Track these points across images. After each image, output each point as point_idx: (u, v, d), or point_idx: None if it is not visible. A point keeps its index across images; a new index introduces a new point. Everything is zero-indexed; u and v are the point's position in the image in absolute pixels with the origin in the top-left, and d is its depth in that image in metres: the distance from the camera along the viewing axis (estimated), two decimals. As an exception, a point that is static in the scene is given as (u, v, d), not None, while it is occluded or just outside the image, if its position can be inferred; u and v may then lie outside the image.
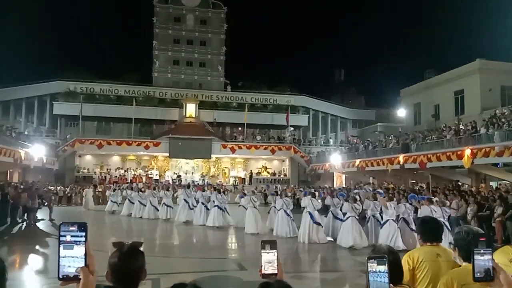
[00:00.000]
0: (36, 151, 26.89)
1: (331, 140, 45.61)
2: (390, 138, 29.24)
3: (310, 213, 13.60)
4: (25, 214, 18.50)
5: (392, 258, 2.30)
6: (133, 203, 21.87)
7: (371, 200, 14.01)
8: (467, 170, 21.32)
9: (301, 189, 23.40)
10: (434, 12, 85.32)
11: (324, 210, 15.44)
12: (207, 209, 18.34)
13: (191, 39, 48.57)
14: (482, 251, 1.76)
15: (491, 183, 22.89)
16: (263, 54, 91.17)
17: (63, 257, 1.57)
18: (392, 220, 12.17)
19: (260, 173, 39.85)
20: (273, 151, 38.67)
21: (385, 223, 12.32)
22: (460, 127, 22.46)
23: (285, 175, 39.76)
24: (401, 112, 37.53)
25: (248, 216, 15.90)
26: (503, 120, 19.42)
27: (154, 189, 22.59)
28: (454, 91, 32.31)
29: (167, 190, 21.87)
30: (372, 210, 13.41)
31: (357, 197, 14.60)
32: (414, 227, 12.12)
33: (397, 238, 11.92)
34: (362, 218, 13.85)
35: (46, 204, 20.23)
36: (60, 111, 39.69)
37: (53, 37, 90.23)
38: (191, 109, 40.72)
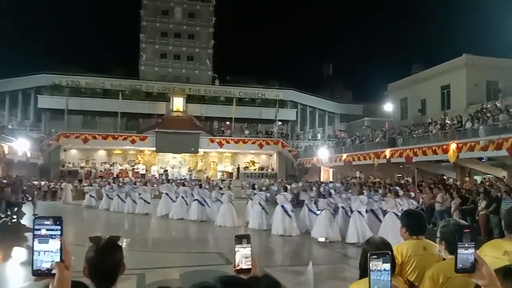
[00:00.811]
0: (20, 146, 26.47)
1: (318, 135, 45.74)
2: (377, 132, 29.43)
3: (282, 206, 14.01)
4: (8, 209, 18.20)
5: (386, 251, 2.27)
6: (111, 198, 21.99)
7: (344, 192, 14.47)
8: (453, 164, 21.55)
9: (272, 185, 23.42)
10: (421, 7, 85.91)
11: (298, 203, 15.69)
12: (187, 203, 18.50)
13: (179, 32, 48.13)
14: (466, 244, 1.74)
15: (475, 177, 23.19)
16: (252, 48, 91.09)
17: (38, 251, 1.51)
18: (358, 211, 12.48)
19: (248, 167, 39.82)
20: (261, 146, 38.65)
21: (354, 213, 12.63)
22: (446, 121, 22.67)
23: (272, 169, 39.79)
24: (388, 107, 37.75)
25: (223, 210, 16.29)
26: (488, 114, 19.64)
27: (135, 184, 22.62)
28: (440, 86, 32.58)
29: (145, 185, 21.97)
30: (341, 202, 13.78)
31: (332, 191, 14.89)
32: (382, 218, 12.59)
33: (365, 228, 12.20)
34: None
35: (30, 199, 19.92)
36: (45, 105, 39.07)
37: (38, 30, 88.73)
38: (178, 103, 40.40)
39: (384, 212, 12.56)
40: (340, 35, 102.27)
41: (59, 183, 29.60)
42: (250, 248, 1.73)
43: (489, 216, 13.44)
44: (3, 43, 77.64)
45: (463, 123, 20.80)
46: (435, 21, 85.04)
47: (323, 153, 32.60)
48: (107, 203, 22.30)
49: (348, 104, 49.18)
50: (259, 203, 15.36)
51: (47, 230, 1.52)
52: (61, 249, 1.52)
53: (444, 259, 2.75)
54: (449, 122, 22.33)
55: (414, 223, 3.21)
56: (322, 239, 12.71)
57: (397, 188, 14.37)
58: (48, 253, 1.51)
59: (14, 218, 17.52)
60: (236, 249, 1.72)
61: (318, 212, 13.65)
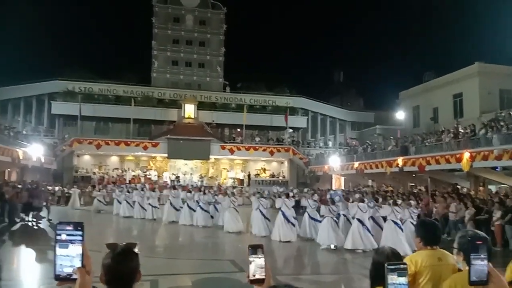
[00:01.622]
0: (34, 151, 26.79)
1: (330, 142, 45.60)
2: (389, 140, 29.24)
3: (282, 212, 14.32)
4: (27, 213, 18.45)
5: (396, 261, 2.28)
6: (120, 203, 22.33)
7: (344, 201, 14.58)
8: (466, 173, 21.32)
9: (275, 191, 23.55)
10: (433, 15, 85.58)
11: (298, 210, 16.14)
12: (192, 210, 18.74)
13: (190, 40, 48.57)
14: (481, 256, 1.76)
15: (490, 187, 22.90)
16: (262, 55, 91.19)
17: (59, 256, 1.56)
18: (358, 219, 12.57)
19: (258, 174, 39.80)
20: (271, 153, 38.64)
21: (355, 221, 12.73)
22: (459, 130, 22.47)
23: (283, 177, 39.72)
24: (400, 115, 37.54)
25: (227, 216, 16.53)
26: (501, 123, 19.43)
27: (142, 189, 22.86)
28: (453, 94, 32.34)
29: (153, 190, 22.24)
30: (342, 210, 14.03)
31: (337, 198, 15.04)
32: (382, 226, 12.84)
33: (365, 236, 12.33)
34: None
35: (44, 204, 20.18)
36: (58, 111, 39.60)
37: (52, 37, 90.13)
38: (190, 109, 40.65)
39: (385, 219, 12.71)
40: (351, 42, 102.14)
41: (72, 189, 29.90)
42: (263, 258, 1.75)
43: (504, 226, 13.27)
44: (18, 49, 79.00)
45: (477, 132, 20.60)
46: (447, 29, 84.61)
47: (334, 161, 32.46)
48: (117, 208, 22.70)
49: (359, 112, 49.03)
50: (259, 210, 15.61)
51: (67, 235, 1.57)
52: (82, 254, 1.57)
53: (460, 270, 2.75)
54: (462, 130, 22.13)
55: (429, 233, 3.19)
56: (325, 246, 12.82)
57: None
58: (68, 257, 1.56)
59: (36, 222, 17.84)
60: (251, 259, 1.75)
61: (320, 219, 13.81)
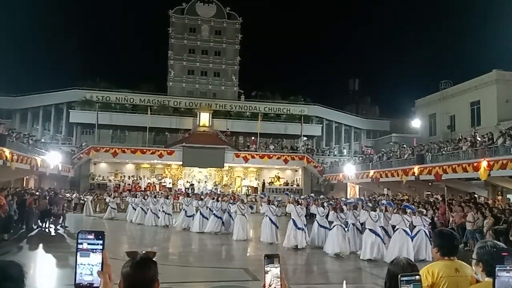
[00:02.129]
0: (52, 159, 27.24)
1: (344, 150, 45.34)
2: (405, 148, 28.94)
3: (293, 220, 14.48)
4: (43, 220, 18.80)
5: (411, 271, 2.29)
6: (135, 209, 22.93)
7: (352, 210, 14.59)
8: (484, 182, 20.95)
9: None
10: (451, 22, 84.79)
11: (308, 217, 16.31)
12: (204, 217, 18.97)
13: (206, 49, 49.07)
14: (507, 267, 1.74)
15: (508, 196, 22.43)
16: (277, 64, 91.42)
17: (80, 264, 1.60)
18: (369, 229, 12.57)
19: (272, 182, 39.74)
20: (286, 161, 38.59)
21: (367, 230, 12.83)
22: (477, 138, 22.12)
23: (298, 185, 39.58)
24: (416, 123, 37.13)
25: (236, 224, 16.70)
26: (520, 132, 19.09)
27: (155, 197, 23.31)
28: (470, 102, 31.91)
29: (167, 198, 22.57)
30: (351, 219, 14.11)
31: (345, 207, 15.16)
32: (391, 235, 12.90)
33: (379, 245, 12.36)
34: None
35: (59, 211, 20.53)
36: (76, 119, 40.33)
37: (71, 47, 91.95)
38: (205, 118, 40.96)
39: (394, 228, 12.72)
40: (367, 51, 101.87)
41: (96, 196, 30.36)
42: (280, 268, 1.77)
43: (523, 236, 12.98)
44: (38, 59, 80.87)
45: (495, 140, 20.26)
46: (464, 36, 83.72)
47: (349, 169, 32.23)
48: (131, 215, 23.34)
49: (375, 120, 48.71)
50: (268, 217, 15.75)
51: (88, 244, 1.62)
52: (102, 262, 1.61)
53: (478, 281, 2.72)
54: (479, 139, 21.79)
55: (446, 243, 3.10)
56: (332, 254, 12.90)
57: (407, 205, 14.60)
58: (89, 266, 1.60)
59: (54, 229, 18.19)
60: (267, 268, 1.76)
61: (329, 227, 13.95)
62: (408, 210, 12.97)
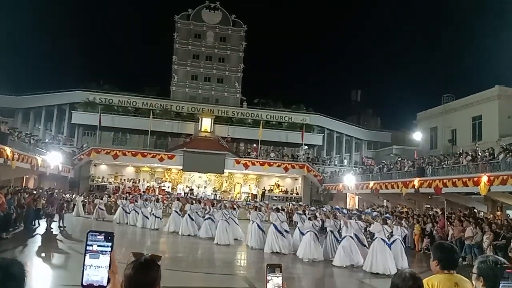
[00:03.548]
0: (53, 159, 27.25)
1: (345, 161, 45.31)
2: (406, 161, 28.92)
3: (274, 225, 15.06)
4: (38, 220, 18.83)
5: (413, 284, 2.31)
6: (128, 212, 23.52)
7: (332, 218, 15.06)
8: (483, 197, 20.91)
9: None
10: (454, 37, 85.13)
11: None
12: (193, 220, 19.47)
13: (210, 55, 49.29)
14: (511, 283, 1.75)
15: (507, 212, 22.38)
16: (280, 73, 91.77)
17: (89, 266, 1.61)
18: (349, 236, 13.11)
19: (272, 190, 39.71)
20: (286, 169, 38.57)
21: (343, 238, 13.28)
22: (478, 153, 22.12)
23: (297, 193, 39.53)
24: (417, 136, 37.17)
25: (218, 228, 17.00)
26: (521, 148, 19.09)
27: (146, 200, 23.78)
28: (471, 116, 31.97)
29: (157, 201, 23.09)
30: (331, 227, 14.57)
31: (317, 214, 15.69)
32: (365, 243, 13.71)
33: (356, 253, 12.87)
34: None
35: (58, 211, 20.51)
36: (78, 120, 40.37)
37: (76, 49, 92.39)
38: (206, 123, 41.02)
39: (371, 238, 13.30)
40: (369, 62, 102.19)
41: (87, 197, 30.34)
42: (281, 277, 1.79)
43: (522, 252, 12.95)
44: (42, 60, 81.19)
45: (495, 156, 20.26)
46: (466, 51, 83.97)
47: (349, 180, 32.19)
48: (121, 217, 23.81)
49: (376, 131, 48.73)
50: (256, 223, 16.11)
51: (98, 246, 1.63)
52: (110, 264, 1.63)
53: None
54: (480, 153, 21.79)
55: (446, 257, 3.07)
56: (306, 259, 13.42)
57: (389, 216, 15.43)
58: (98, 268, 1.62)
59: (48, 228, 18.17)
60: (269, 277, 1.78)
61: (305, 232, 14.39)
62: (389, 221, 13.36)
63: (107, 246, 1.64)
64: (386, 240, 12.43)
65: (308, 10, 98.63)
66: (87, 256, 1.62)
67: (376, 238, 12.50)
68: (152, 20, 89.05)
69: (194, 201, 22.14)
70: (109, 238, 1.66)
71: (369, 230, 14.06)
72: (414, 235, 19.13)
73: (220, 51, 49.39)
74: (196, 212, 19.88)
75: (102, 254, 1.63)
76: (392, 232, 13.01)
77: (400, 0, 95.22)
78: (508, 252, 13.45)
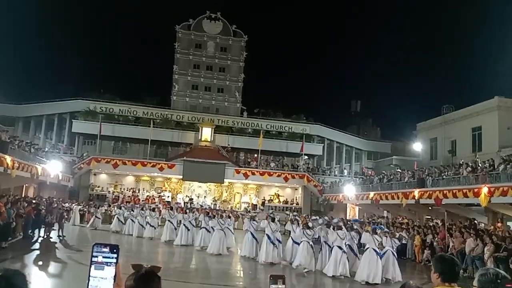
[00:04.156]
0: (53, 168, 27.27)
1: (345, 171, 45.28)
2: (406, 171, 28.91)
3: (267, 235, 15.12)
4: (38, 229, 18.74)
5: None
6: (123, 222, 23.66)
7: (325, 228, 15.07)
8: (484, 208, 20.88)
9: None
10: (454, 48, 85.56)
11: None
12: (188, 229, 19.52)
13: (211, 65, 49.51)
14: None
15: (508, 223, 22.32)
16: (281, 82, 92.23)
17: (93, 277, 1.63)
18: (338, 246, 13.05)
19: (272, 200, 39.61)
20: (286, 179, 38.52)
21: (332, 248, 13.38)
22: (478, 164, 22.12)
23: (297, 203, 39.42)
24: (417, 146, 37.17)
25: (214, 238, 17.08)
26: (522, 159, 19.09)
27: (142, 209, 23.78)
28: (471, 127, 32.01)
29: (153, 211, 23.17)
30: (324, 238, 14.66)
31: (310, 224, 15.62)
32: (357, 252, 13.96)
33: (344, 262, 12.93)
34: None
35: (57, 221, 20.43)
36: (78, 129, 40.45)
37: (77, 58, 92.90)
38: (207, 133, 41.07)
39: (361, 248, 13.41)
40: (369, 73, 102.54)
41: (87, 206, 30.24)
42: None
43: (523, 265, 12.88)
44: (44, 69, 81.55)
45: (496, 167, 20.26)
46: (466, 62, 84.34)
47: (349, 190, 32.14)
48: (117, 226, 23.85)
49: (376, 142, 48.78)
50: (250, 232, 16.23)
51: (103, 257, 1.65)
52: (115, 276, 1.64)
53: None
54: (480, 164, 21.79)
55: (448, 269, 2.98)
56: (301, 268, 13.48)
57: (381, 226, 15.58)
58: (102, 279, 1.63)
59: (47, 237, 18.11)
60: None
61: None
62: (379, 231, 13.49)
63: (112, 258, 1.66)
64: (377, 250, 12.57)
65: (308, 21, 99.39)
66: (93, 267, 1.64)
67: (367, 248, 12.71)
68: (153, 30, 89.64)
69: (187, 211, 22.22)
70: (114, 250, 1.68)
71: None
72: (414, 246, 19.04)
73: (220, 61, 49.64)
74: (190, 222, 19.87)
75: (107, 265, 1.65)
76: (381, 242, 13.10)
77: (401, 12, 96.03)
78: (510, 264, 13.38)
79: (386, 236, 13.28)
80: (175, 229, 20.41)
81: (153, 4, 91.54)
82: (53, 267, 12.40)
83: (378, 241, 12.71)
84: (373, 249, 12.44)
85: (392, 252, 13.08)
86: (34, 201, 21.31)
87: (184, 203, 35.24)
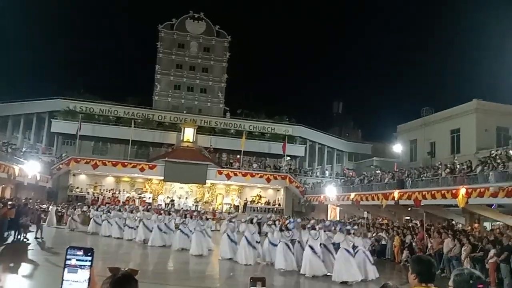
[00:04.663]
0: (30, 168, 26.72)
1: (326, 172, 45.58)
2: (386, 173, 29.25)
3: (245, 237, 15.30)
4: (12, 231, 18.31)
5: None
6: (99, 224, 23.36)
7: (300, 229, 15.45)
8: (462, 209, 21.25)
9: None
10: (433, 51, 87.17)
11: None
12: (162, 231, 19.53)
13: (194, 65, 49.28)
14: None
15: (485, 224, 22.78)
16: (263, 84, 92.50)
17: (66, 281, 1.59)
18: (309, 246, 13.27)
19: (254, 201, 39.59)
20: (268, 180, 38.56)
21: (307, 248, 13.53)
22: (456, 166, 22.51)
23: (279, 204, 39.50)
24: (397, 148, 37.67)
25: (193, 239, 17.21)
26: (498, 161, 19.50)
27: (119, 210, 23.72)
28: (450, 129, 32.59)
29: (131, 212, 23.05)
30: (298, 237, 14.99)
31: (290, 226, 15.93)
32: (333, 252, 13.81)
33: (317, 262, 13.17)
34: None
35: (33, 222, 20.00)
36: (58, 129, 39.67)
37: (57, 56, 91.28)
38: (189, 133, 40.78)
39: (337, 246, 13.49)
40: (351, 75, 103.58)
41: (65, 208, 29.70)
42: None
43: (499, 265, 13.15)
44: (22, 67, 79.85)
45: (473, 168, 20.65)
46: (446, 65, 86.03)
47: (330, 191, 32.36)
48: (94, 227, 23.60)
49: (357, 143, 49.25)
50: (227, 234, 16.37)
51: (77, 260, 1.61)
52: (89, 279, 1.60)
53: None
54: (458, 166, 22.18)
55: (425, 270, 3.01)
56: (279, 269, 13.71)
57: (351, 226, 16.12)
58: (76, 283, 1.59)
59: (23, 239, 17.72)
60: None
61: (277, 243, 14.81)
62: (352, 231, 13.85)
63: (86, 261, 1.62)
64: (350, 250, 12.82)
65: (291, 23, 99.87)
66: (66, 270, 1.60)
67: (340, 248, 12.93)
68: (135, 29, 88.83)
69: (162, 212, 22.15)
70: (89, 253, 1.64)
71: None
72: (394, 247, 19.25)
73: (203, 61, 49.46)
74: (165, 224, 19.83)
75: (81, 268, 1.61)
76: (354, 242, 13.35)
77: (381, 16, 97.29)
78: (485, 264, 13.64)
79: (359, 236, 13.53)
80: (150, 230, 20.24)
81: (136, 3, 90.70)
82: (26, 269, 12.10)
83: (351, 241, 12.92)
84: (345, 249, 12.68)
85: (364, 251, 13.29)
86: (10, 202, 20.81)
87: (165, 204, 34.95)
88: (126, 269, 1.94)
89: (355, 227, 17.61)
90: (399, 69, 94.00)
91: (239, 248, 15.41)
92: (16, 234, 18.38)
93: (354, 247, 13.05)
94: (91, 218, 24.52)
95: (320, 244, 13.65)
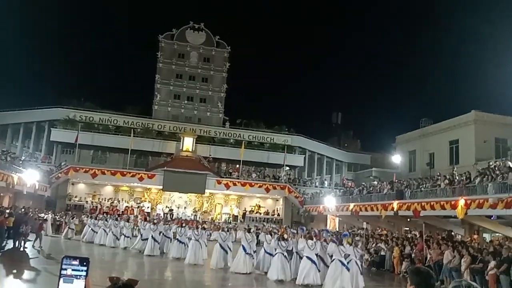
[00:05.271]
0: (29, 177, 26.67)
1: (326, 182, 45.53)
2: (385, 183, 29.22)
3: (242, 246, 15.38)
4: (12, 239, 18.24)
5: None
6: (96, 232, 23.26)
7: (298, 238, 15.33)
8: (461, 220, 21.21)
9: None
10: (433, 62, 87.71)
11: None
12: (155, 241, 19.50)
13: (194, 75, 49.53)
14: None
15: (484, 235, 22.73)
16: (263, 94, 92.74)
17: None
18: (306, 256, 13.17)
19: (253, 211, 39.46)
20: (267, 190, 38.49)
21: (302, 259, 13.52)
22: (455, 177, 22.51)
23: (278, 214, 39.37)
24: (396, 159, 37.69)
25: (190, 248, 17.24)
26: (497, 172, 19.52)
27: (116, 219, 23.79)
28: (449, 140, 32.67)
29: (127, 221, 23.14)
30: (295, 248, 14.86)
31: (285, 235, 15.84)
32: (328, 263, 13.58)
33: (315, 272, 13.00)
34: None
35: (32, 231, 19.89)
36: (57, 138, 39.67)
37: (57, 65, 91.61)
38: (188, 143, 40.80)
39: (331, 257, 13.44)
40: (350, 85, 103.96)
41: (63, 217, 29.57)
42: None
43: (499, 276, 13.11)
44: (22, 75, 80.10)
45: (472, 179, 20.65)
46: (445, 76, 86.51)
47: (329, 202, 32.29)
48: (90, 235, 23.54)
49: (356, 153, 49.25)
50: (218, 243, 16.43)
51: (73, 270, 1.62)
52: None
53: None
54: (457, 177, 22.18)
55: (424, 281, 3.00)
56: (274, 280, 13.61)
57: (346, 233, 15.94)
58: None
59: (22, 248, 17.65)
60: None
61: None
62: (344, 241, 13.68)
63: (82, 271, 1.63)
64: (343, 261, 12.75)
65: (291, 34, 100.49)
66: (61, 280, 1.61)
67: (334, 259, 12.86)
68: (136, 39, 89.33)
69: (155, 221, 22.07)
70: (84, 263, 1.65)
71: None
72: (393, 258, 19.18)
73: (203, 71, 49.71)
74: (160, 233, 19.85)
75: (77, 278, 1.62)
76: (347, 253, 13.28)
77: (380, 25, 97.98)
78: (485, 276, 13.60)
79: (351, 246, 13.48)
80: (144, 240, 20.26)
81: (136, 13, 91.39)
82: (24, 278, 12.04)
83: (343, 251, 12.85)
84: (339, 260, 12.63)
85: (356, 262, 13.26)
86: (8, 211, 20.73)
87: (164, 214, 34.80)
88: (126, 278, 1.94)
89: (357, 237, 17.55)
90: (398, 81, 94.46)
91: (237, 256, 15.38)
92: (16, 243, 18.30)
93: (346, 255, 12.95)
94: (88, 227, 24.42)
95: (317, 255, 13.60)
